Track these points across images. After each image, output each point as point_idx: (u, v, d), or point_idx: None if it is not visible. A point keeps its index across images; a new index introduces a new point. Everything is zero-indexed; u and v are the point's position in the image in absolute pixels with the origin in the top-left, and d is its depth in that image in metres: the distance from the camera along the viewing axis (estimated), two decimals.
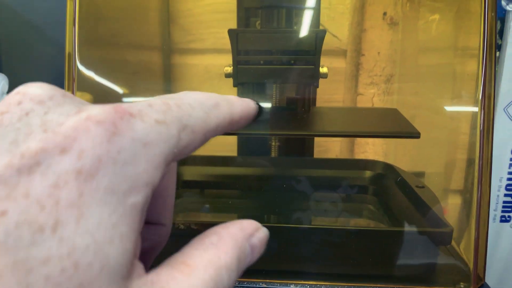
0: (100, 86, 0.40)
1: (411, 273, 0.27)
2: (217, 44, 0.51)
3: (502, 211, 0.57)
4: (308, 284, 0.26)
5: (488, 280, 0.59)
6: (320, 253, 0.27)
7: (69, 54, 0.30)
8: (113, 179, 0.12)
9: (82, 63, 0.34)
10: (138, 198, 0.12)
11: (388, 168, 0.37)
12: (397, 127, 0.27)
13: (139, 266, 0.13)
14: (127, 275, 0.12)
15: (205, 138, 0.15)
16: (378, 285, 0.26)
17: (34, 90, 0.13)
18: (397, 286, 0.26)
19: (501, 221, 0.57)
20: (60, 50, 0.61)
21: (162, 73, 0.53)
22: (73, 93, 0.30)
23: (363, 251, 0.27)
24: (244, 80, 0.31)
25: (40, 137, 0.12)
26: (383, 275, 0.27)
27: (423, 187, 0.32)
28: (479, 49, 0.29)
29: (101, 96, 0.41)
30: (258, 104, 0.18)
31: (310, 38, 0.28)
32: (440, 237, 0.26)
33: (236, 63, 0.30)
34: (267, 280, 0.26)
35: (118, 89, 0.41)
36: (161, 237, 0.17)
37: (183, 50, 0.53)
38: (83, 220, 0.11)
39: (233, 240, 0.15)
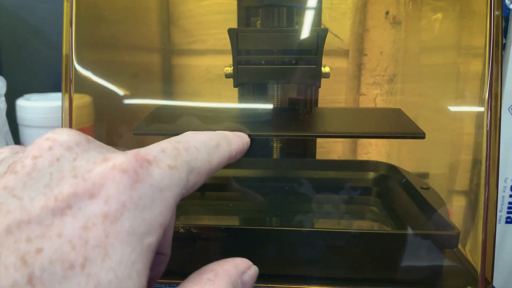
0: (100, 88, 0.40)
1: (417, 277, 0.26)
2: (217, 45, 0.50)
3: (508, 212, 0.56)
4: None
5: (495, 280, 0.59)
6: (323, 257, 0.27)
7: (66, 55, 0.30)
8: (134, 222, 0.13)
9: (81, 65, 0.34)
10: (153, 238, 0.14)
11: (392, 169, 0.36)
12: (402, 128, 0.27)
13: None
14: None
15: (208, 176, 0.17)
16: None
17: (63, 137, 0.15)
18: None
19: (507, 222, 0.57)
20: (60, 52, 0.61)
21: (162, 75, 0.52)
22: (70, 94, 0.29)
23: (367, 255, 0.26)
24: (245, 80, 0.30)
25: (71, 182, 0.13)
26: (388, 279, 0.26)
27: (428, 188, 0.31)
28: (485, 48, 0.28)
29: (101, 98, 0.41)
30: (249, 135, 0.20)
31: (311, 37, 0.27)
32: (446, 240, 0.25)
33: (236, 63, 0.30)
34: (269, 285, 0.25)
35: (119, 91, 0.41)
36: (161, 266, 0.19)
37: (183, 51, 0.52)
38: (107, 258, 0.13)
39: (227, 277, 0.17)
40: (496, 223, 0.56)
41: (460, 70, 0.42)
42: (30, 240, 0.12)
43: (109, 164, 0.14)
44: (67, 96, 0.29)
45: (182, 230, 0.25)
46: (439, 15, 0.43)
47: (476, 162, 0.33)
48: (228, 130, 0.21)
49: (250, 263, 0.18)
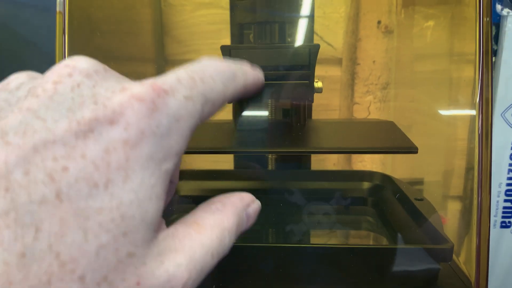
0: None
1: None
2: (212, 55, 0.51)
3: (502, 217, 0.57)
4: None
5: (491, 284, 0.59)
6: (317, 271, 0.27)
7: None
8: (153, 149, 0.14)
9: None
10: (170, 165, 0.15)
11: (386, 180, 0.36)
12: (394, 142, 0.27)
13: (163, 221, 0.16)
14: (157, 227, 0.15)
15: (222, 106, 0.18)
16: None
17: (82, 64, 0.15)
18: None
19: (502, 227, 0.57)
20: (52, 62, 0.61)
21: None
22: None
23: (361, 268, 0.26)
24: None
25: (92, 108, 0.14)
26: None
27: (422, 199, 0.32)
28: (475, 54, 0.28)
29: None
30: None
31: (303, 53, 0.27)
32: (440, 254, 0.26)
33: None
34: None
35: None
36: (170, 193, 0.20)
37: (177, 61, 0.53)
38: (129, 180, 0.14)
39: (234, 207, 0.18)
40: (490, 232, 0.56)
41: (452, 77, 0.42)
42: (56, 159, 0.13)
43: (127, 93, 0.14)
44: None
45: None
46: (431, 23, 0.43)
47: (470, 168, 0.33)
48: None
49: (254, 197, 0.19)
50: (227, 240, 0.17)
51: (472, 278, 0.26)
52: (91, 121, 0.14)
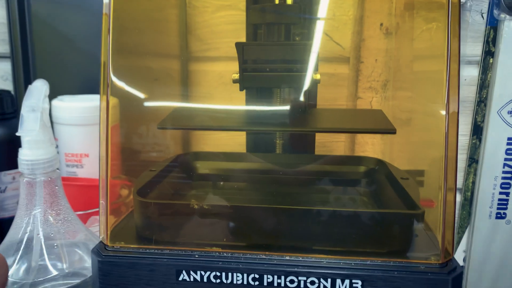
0: (125, 91, 0.45)
1: (390, 249, 0.31)
2: (230, 52, 0.55)
3: (498, 208, 0.61)
4: (300, 256, 0.30)
5: (485, 275, 0.62)
6: (312, 232, 0.32)
7: (104, 62, 0.35)
8: None
9: (112, 71, 0.39)
10: None
11: (380, 164, 0.41)
12: (376, 124, 0.32)
13: None
14: None
15: None
16: (361, 258, 0.30)
17: None
18: (377, 259, 0.30)
19: (497, 217, 0.61)
20: (90, 59, 0.67)
21: (181, 79, 0.57)
22: (107, 97, 0.35)
23: (348, 230, 0.31)
24: (248, 85, 0.36)
25: None
26: (366, 251, 0.31)
27: (407, 178, 0.36)
28: (446, 55, 0.32)
29: (126, 100, 0.46)
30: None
31: (301, 49, 0.32)
32: (414, 218, 0.30)
33: (242, 70, 0.35)
34: (267, 252, 0.31)
35: (141, 94, 0.45)
36: None
37: (199, 58, 0.57)
38: None
39: None
40: (485, 218, 0.60)
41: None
42: None
43: None
44: (104, 97, 0.34)
45: (196, 206, 0.31)
46: (430, 26, 0.47)
47: (452, 157, 0.37)
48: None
49: None
50: None
51: (440, 239, 0.31)
52: None
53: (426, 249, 0.31)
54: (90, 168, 0.56)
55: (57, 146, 0.57)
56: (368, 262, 0.30)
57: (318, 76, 0.34)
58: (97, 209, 0.47)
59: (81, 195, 0.50)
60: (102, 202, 0.33)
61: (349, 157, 0.44)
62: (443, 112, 0.37)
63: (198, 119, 0.39)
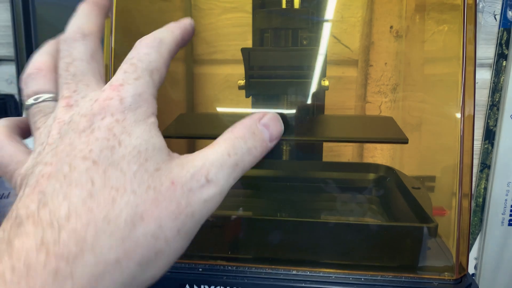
0: None
1: (401, 263, 0.30)
2: (236, 55, 0.55)
3: (510, 215, 0.59)
4: (308, 270, 0.29)
5: (497, 283, 0.61)
6: (319, 245, 0.31)
7: (106, 65, 0.34)
8: (135, 115, 0.20)
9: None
10: (152, 119, 0.21)
11: (390, 171, 0.40)
12: (387, 134, 0.31)
13: (175, 153, 0.21)
14: (170, 153, 0.21)
15: (166, 65, 0.23)
16: (371, 273, 0.29)
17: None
18: (388, 274, 0.29)
19: (510, 224, 0.59)
20: None
21: (186, 82, 0.57)
22: None
23: (358, 243, 0.30)
24: (254, 92, 0.35)
25: (85, 119, 0.20)
26: (376, 265, 0.30)
27: (419, 188, 0.35)
28: (461, 58, 0.31)
29: None
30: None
31: (309, 55, 0.31)
32: (426, 231, 0.29)
33: (248, 77, 0.34)
34: (273, 266, 0.30)
35: None
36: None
37: (205, 61, 0.56)
38: (132, 135, 0.20)
39: (243, 124, 0.23)
40: (497, 225, 0.58)
41: (459, 79, 0.45)
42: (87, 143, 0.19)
43: (100, 100, 0.20)
44: None
45: None
46: (441, 28, 0.46)
47: (467, 164, 0.36)
48: None
49: (266, 112, 0.23)
50: (243, 145, 0.22)
51: (454, 253, 0.29)
52: (90, 123, 0.20)
53: (439, 263, 0.30)
54: None
55: None
56: (378, 277, 0.29)
57: (326, 83, 0.33)
58: None
59: None
60: None
61: (357, 164, 0.43)
62: (457, 116, 0.36)
63: (203, 126, 0.38)
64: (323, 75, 0.32)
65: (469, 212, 0.29)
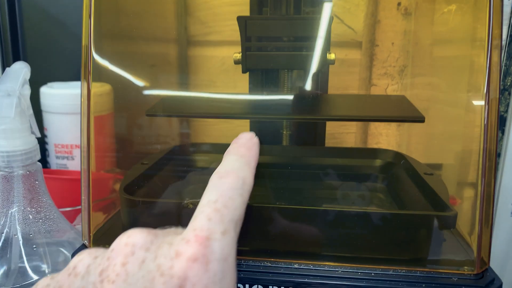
0: (118, 77, 0.41)
1: (416, 256, 0.27)
2: (233, 36, 0.51)
3: None
4: (311, 264, 0.26)
5: (506, 274, 0.58)
6: (325, 235, 0.28)
7: (85, 46, 0.31)
8: None
9: (100, 55, 0.35)
10: None
11: (398, 157, 0.37)
12: (402, 112, 0.27)
13: None
14: None
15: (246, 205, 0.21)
16: (382, 267, 0.26)
17: (139, 240, 0.18)
18: (401, 268, 0.26)
19: None
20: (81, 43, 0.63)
21: (179, 65, 0.54)
22: (88, 83, 0.31)
23: (367, 234, 0.27)
24: (252, 66, 0.31)
25: (162, 281, 0.17)
26: (388, 258, 0.27)
27: (431, 174, 0.32)
28: (486, 40, 0.28)
29: (121, 87, 0.42)
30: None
31: (316, 24, 0.28)
32: (444, 220, 0.26)
33: (244, 49, 0.31)
34: (272, 259, 0.27)
35: (136, 81, 0.42)
36: None
37: (200, 42, 0.53)
38: None
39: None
40: (505, 216, 0.56)
41: (473, 62, 0.42)
42: None
43: (183, 258, 0.17)
44: (85, 84, 0.30)
45: (191, 206, 0.27)
46: (452, 7, 0.43)
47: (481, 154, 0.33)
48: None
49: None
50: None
51: (475, 250, 0.27)
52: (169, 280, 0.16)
53: (458, 256, 0.27)
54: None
55: (46, 137, 0.53)
56: (390, 272, 0.26)
57: (332, 56, 0.29)
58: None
59: (71, 189, 0.46)
60: (84, 198, 0.29)
61: (363, 150, 0.40)
62: (476, 102, 0.33)
63: (196, 106, 0.35)
64: (328, 47, 0.29)
65: (492, 202, 0.26)
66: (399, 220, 0.27)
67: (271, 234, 0.27)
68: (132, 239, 0.18)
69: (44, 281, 0.20)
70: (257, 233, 0.28)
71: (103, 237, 0.30)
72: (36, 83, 0.55)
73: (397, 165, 0.36)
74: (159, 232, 0.20)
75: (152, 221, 0.28)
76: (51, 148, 0.53)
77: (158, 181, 0.32)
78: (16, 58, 0.62)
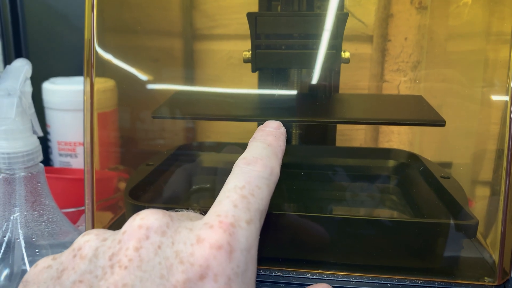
0: (122, 72, 0.40)
1: (434, 265, 0.26)
2: (240, 30, 0.50)
3: None
4: (325, 273, 0.25)
5: None
6: (338, 243, 0.26)
7: (88, 40, 0.30)
8: (239, 286, 0.16)
9: (104, 49, 0.34)
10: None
11: (412, 158, 0.35)
12: (422, 115, 0.26)
13: None
14: None
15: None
16: (398, 277, 0.25)
17: (154, 223, 0.17)
18: (418, 278, 0.25)
19: None
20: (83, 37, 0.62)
21: (184, 60, 0.52)
22: (91, 78, 0.30)
23: (383, 242, 0.26)
24: (263, 65, 0.30)
25: (182, 269, 0.15)
26: (405, 267, 0.26)
27: (448, 177, 0.31)
28: (511, 34, 0.27)
29: (124, 82, 0.41)
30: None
31: (331, 21, 0.27)
32: (464, 230, 0.25)
33: (254, 47, 0.30)
34: (283, 269, 0.26)
35: (141, 76, 0.41)
36: None
37: (205, 36, 0.51)
38: None
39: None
40: None
41: (488, 57, 0.41)
42: None
43: (206, 245, 0.16)
44: (88, 80, 0.29)
45: (198, 211, 0.26)
46: (468, 0, 0.41)
47: (500, 153, 0.32)
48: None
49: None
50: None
51: (496, 260, 0.26)
52: (185, 283, 0.15)
53: (478, 266, 0.26)
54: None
55: (49, 134, 0.52)
56: (407, 283, 0.25)
57: (347, 54, 0.28)
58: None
59: (74, 189, 0.46)
60: (87, 199, 0.28)
61: (377, 150, 0.38)
62: (496, 98, 0.32)
63: (202, 106, 0.34)
64: (340, 46, 0.27)
65: None
66: (417, 228, 0.26)
67: (282, 241, 0.26)
68: (146, 221, 0.17)
69: (45, 261, 0.19)
70: (267, 240, 0.27)
71: None
72: (38, 78, 0.54)
73: (411, 166, 0.34)
74: (173, 214, 0.18)
75: None
76: (54, 145, 0.52)
77: (164, 184, 0.31)
78: (18, 53, 0.60)
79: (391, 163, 0.36)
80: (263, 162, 0.20)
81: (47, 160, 0.54)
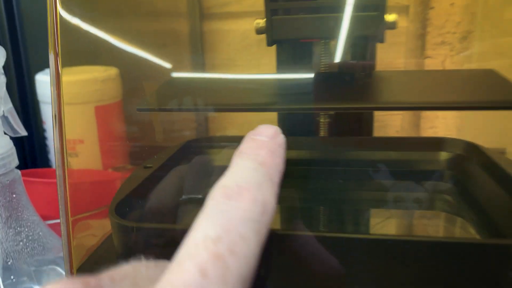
0: (126, 59, 0.36)
1: None
2: (256, 6, 0.45)
3: None
4: None
5: None
6: (382, 269, 0.20)
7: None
8: None
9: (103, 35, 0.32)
10: None
11: (472, 149, 0.29)
12: (500, 95, 0.19)
13: None
14: None
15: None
16: None
17: None
18: None
19: None
20: None
21: (192, 42, 0.48)
22: (57, 65, 0.24)
23: (442, 269, 0.20)
24: (281, 36, 0.24)
25: None
26: None
27: None
28: None
29: (128, 69, 0.38)
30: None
31: None
32: None
33: (269, 13, 0.23)
34: None
35: (147, 63, 0.37)
36: None
37: (216, 14, 0.47)
38: None
39: None
40: None
41: None
42: None
43: None
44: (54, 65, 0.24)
45: None
46: None
47: None
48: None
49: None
50: None
51: None
52: None
53: None
54: (86, 158, 0.47)
55: (45, 131, 0.48)
56: None
57: (393, 17, 0.21)
58: (85, 214, 0.37)
59: (73, 193, 0.41)
60: (61, 220, 0.23)
61: (425, 140, 0.31)
62: None
63: (212, 96, 0.28)
64: (385, 5, 0.21)
65: None
66: (487, 251, 0.19)
67: (300, 271, 0.20)
68: None
69: None
70: (285, 263, 0.21)
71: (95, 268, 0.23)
72: (33, 71, 0.51)
73: (470, 160, 0.27)
74: (115, 276, 0.14)
75: (153, 250, 0.21)
76: (51, 144, 0.47)
77: (163, 193, 0.25)
78: (14, 43, 0.57)
79: (445, 155, 0.29)
80: (251, 195, 0.14)
81: (45, 161, 0.49)
